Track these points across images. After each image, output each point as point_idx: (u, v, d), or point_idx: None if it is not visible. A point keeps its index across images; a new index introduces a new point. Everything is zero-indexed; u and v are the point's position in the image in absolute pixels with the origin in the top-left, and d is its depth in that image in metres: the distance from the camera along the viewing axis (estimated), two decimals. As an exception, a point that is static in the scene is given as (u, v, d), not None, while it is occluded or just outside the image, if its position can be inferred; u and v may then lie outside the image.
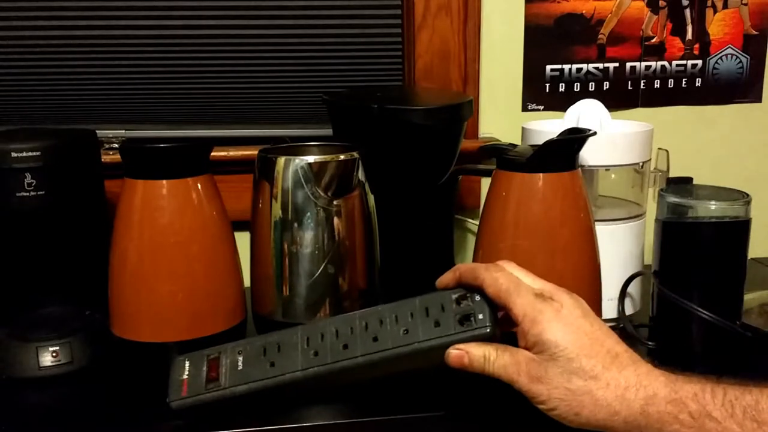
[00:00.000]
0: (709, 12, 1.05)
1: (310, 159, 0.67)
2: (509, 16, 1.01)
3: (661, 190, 0.76)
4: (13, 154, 0.67)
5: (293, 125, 1.03)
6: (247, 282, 0.74)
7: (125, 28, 0.96)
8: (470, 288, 0.59)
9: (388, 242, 0.76)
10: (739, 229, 0.71)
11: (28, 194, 0.68)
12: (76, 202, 0.72)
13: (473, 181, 1.01)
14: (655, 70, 1.06)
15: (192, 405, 0.59)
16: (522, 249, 0.67)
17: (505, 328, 0.58)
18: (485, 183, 0.96)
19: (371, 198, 0.73)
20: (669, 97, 1.07)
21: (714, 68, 1.07)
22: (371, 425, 0.62)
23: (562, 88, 1.04)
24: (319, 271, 0.69)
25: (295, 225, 0.68)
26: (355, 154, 0.68)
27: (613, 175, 0.87)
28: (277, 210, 0.69)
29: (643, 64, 1.05)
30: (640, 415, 0.50)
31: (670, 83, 1.07)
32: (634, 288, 0.83)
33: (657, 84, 1.06)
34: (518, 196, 0.69)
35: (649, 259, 0.79)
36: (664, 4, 1.04)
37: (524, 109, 1.04)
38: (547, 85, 1.04)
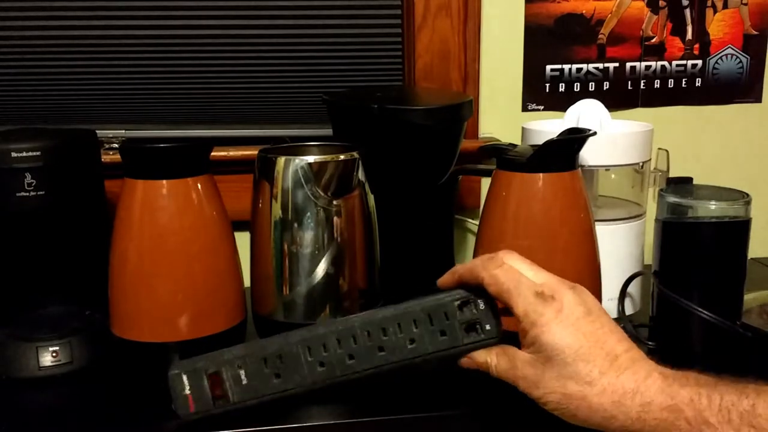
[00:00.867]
0: (709, 12, 1.05)
1: (310, 159, 0.67)
2: (509, 16, 1.01)
3: (661, 190, 0.76)
4: (13, 154, 0.67)
5: (293, 125, 1.03)
6: (247, 282, 0.74)
7: (125, 28, 0.96)
8: (471, 288, 0.59)
9: (388, 242, 0.76)
10: (739, 229, 0.71)
11: (28, 194, 0.68)
12: (76, 202, 0.72)
13: (473, 181, 1.01)
14: (655, 70, 1.06)
15: (201, 419, 0.59)
16: (522, 249, 0.66)
17: (507, 324, 0.58)
18: (485, 183, 0.96)
19: (371, 198, 0.73)
20: (669, 97, 1.07)
21: (714, 68, 1.07)
22: (371, 425, 0.62)
23: (562, 88, 1.04)
24: (319, 271, 0.69)
25: (295, 225, 0.68)
26: (355, 154, 0.68)
27: (613, 175, 0.87)
28: (277, 210, 0.69)
29: (643, 64, 1.05)
30: (636, 421, 0.50)
31: (670, 83, 1.07)
32: (634, 288, 0.83)
33: (657, 84, 1.06)
34: (518, 196, 0.69)
35: (649, 259, 0.79)
36: (664, 4, 1.04)
37: (524, 109, 1.04)
38: (547, 85, 1.04)
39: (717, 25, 1.06)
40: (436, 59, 0.99)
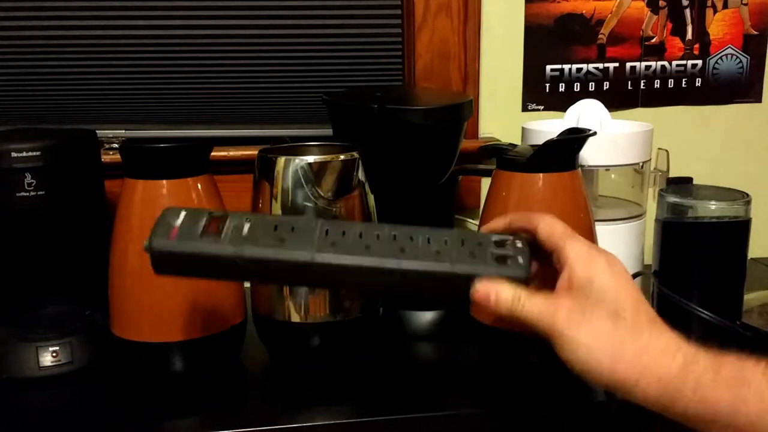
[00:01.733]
0: (709, 12, 1.05)
1: (310, 159, 0.67)
2: (509, 16, 1.01)
3: (661, 190, 0.76)
4: (13, 154, 0.67)
5: (293, 125, 1.03)
6: (247, 282, 0.74)
7: (125, 28, 0.96)
8: (515, 235, 0.56)
9: (388, 242, 0.76)
10: (739, 229, 0.71)
11: (28, 194, 0.68)
12: (76, 202, 0.72)
13: (473, 181, 1.01)
14: (655, 70, 1.06)
15: (176, 253, 0.50)
16: (522, 249, 0.67)
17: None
18: (485, 183, 0.96)
19: (371, 198, 0.73)
20: (669, 97, 1.07)
21: (714, 68, 1.07)
22: (371, 425, 0.62)
23: (562, 88, 1.04)
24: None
25: (295, 225, 0.68)
26: (355, 154, 0.68)
27: (613, 175, 0.87)
28: (277, 210, 0.68)
29: (643, 64, 1.05)
30: (676, 377, 0.49)
31: (670, 83, 1.07)
32: (634, 288, 0.83)
33: (657, 84, 1.06)
34: (518, 196, 0.69)
35: (649, 259, 0.79)
36: (664, 4, 1.04)
37: (524, 109, 1.04)
38: (547, 85, 1.04)
39: (717, 25, 1.06)
40: (436, 59, 0.99)
